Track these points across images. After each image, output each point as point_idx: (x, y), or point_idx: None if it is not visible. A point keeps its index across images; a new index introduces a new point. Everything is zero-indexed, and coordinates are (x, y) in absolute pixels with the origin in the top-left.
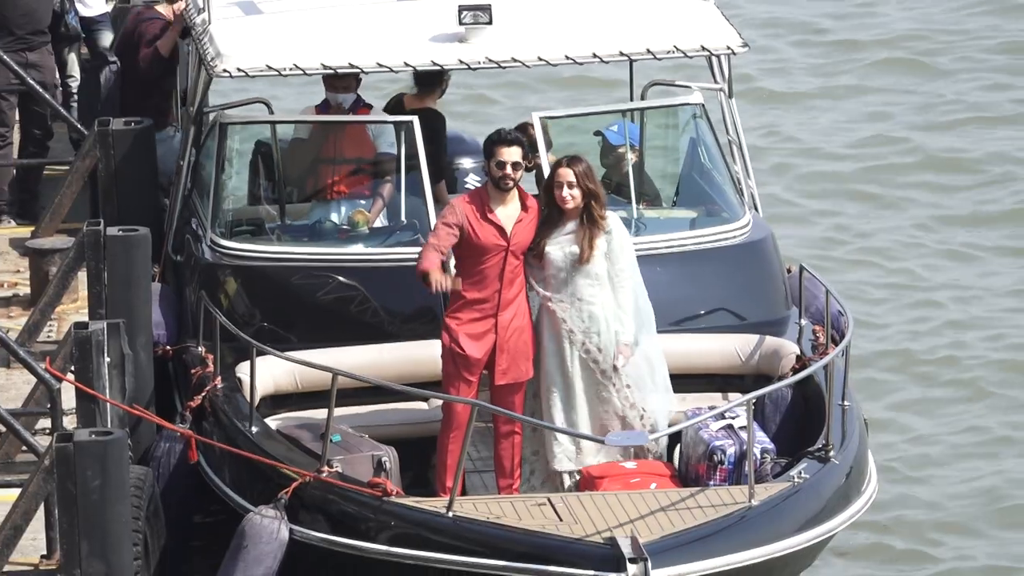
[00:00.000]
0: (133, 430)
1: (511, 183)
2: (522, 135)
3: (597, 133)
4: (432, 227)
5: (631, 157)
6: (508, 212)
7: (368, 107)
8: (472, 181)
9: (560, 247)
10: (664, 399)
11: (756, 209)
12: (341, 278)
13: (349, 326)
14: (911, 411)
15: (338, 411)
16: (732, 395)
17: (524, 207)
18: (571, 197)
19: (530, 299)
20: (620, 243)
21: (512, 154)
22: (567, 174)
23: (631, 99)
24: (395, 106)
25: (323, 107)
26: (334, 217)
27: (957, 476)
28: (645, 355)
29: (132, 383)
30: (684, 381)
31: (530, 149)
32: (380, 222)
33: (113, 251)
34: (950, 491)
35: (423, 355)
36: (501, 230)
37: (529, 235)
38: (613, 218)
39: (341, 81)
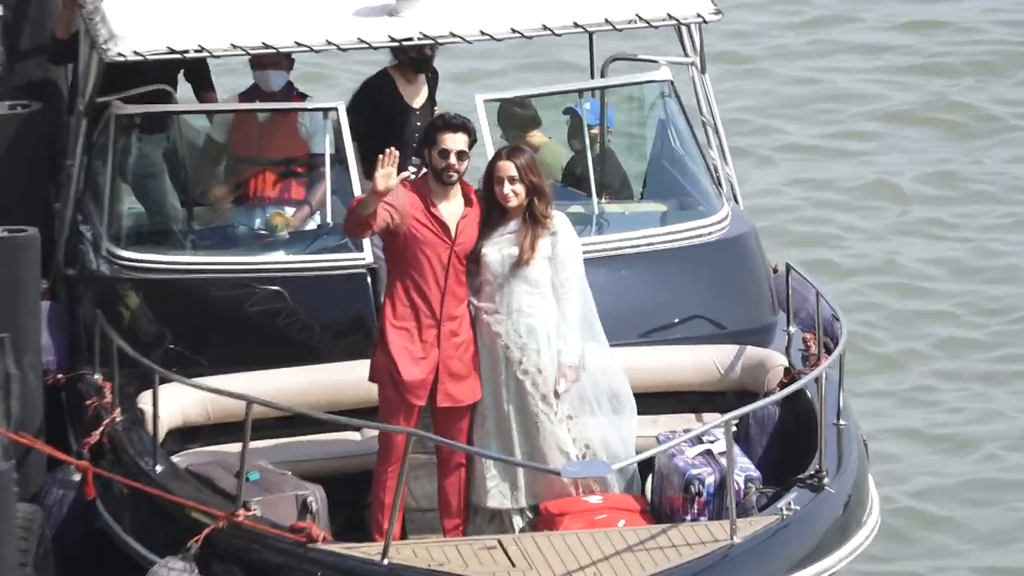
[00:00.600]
0: (20, 463)
1: (455, 175)
2: (469, 120)
3: (567, 111)
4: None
5: (609, 139)
6: (451, 208)
7: (302, 96)
8: (410, 172)
9: (498, 248)
10: (621, 425)
11: (736, 201)
12: (260, 290)
13: (271, 346)
14: (916, 432)
15: (257, 444)
16: (710, 416)
17: (468, 202)
18: (513, 194)
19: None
20: (567, 246)
21: (457, 141)
22: (507, 167)
23: (592, 76)
24: (379, 87)
25: (250, 94)
26: (253, 222)
27: (972, 509)
28: (592, 377)
29: (19, 408)
30: (655, 401)
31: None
32: (312, 226)
33: None
34: (963, 522)
35: (356, 377)
36: (444, 227)
37: (474, 234)
38: (560, 218)
39: (268, 56)
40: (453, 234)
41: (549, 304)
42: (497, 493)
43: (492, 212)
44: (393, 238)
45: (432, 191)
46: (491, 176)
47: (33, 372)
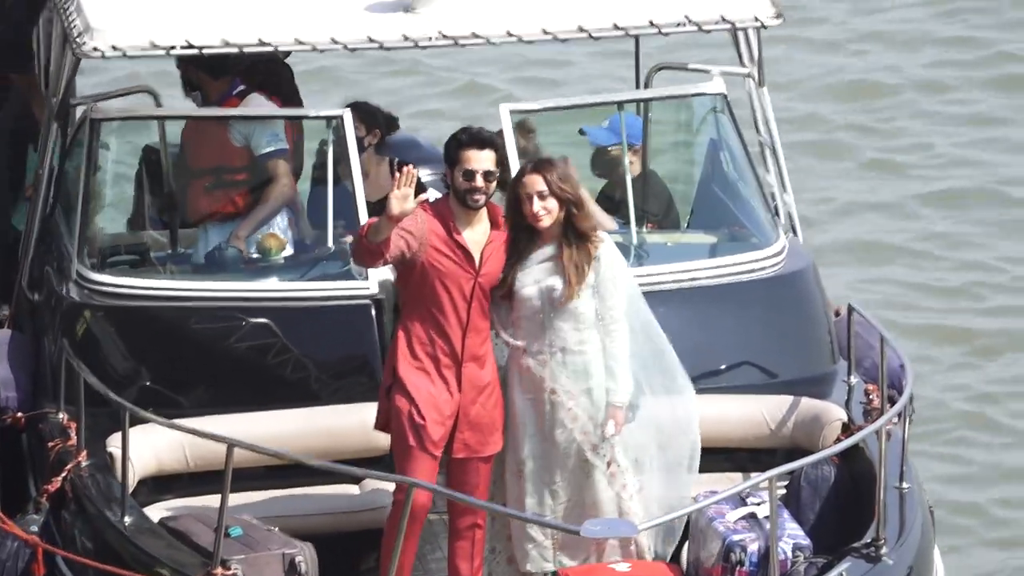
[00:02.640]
0: None
1: (481, 199)
2: (498, 136)
3: (582, 132)
4: None
5: (628, 160)
6: (476, 235)
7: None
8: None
9: (535, 280)
10: (676, 483)
11: (794, 232)
12: (248, 322)
13: (260, 386)
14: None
15: (242, 497)
16: (757, 475)
17: (495, 226)
18: (544, 211)
19: (496, 349)
20: (610, 271)
21: (483, 160)
22: (534, 182)
23: (638, 87)
24: None
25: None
26: (202, 246)
27: None
28: (656, 423)
29: None
30: None
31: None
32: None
33: None
34: None
35: (356, 422)
36: (468, 256)
37: (501, 262)
38: (603, 239)
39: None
40: (478, 264)
41: (597, 339)
42: (538, 557)
43: (520, 236)
44: (409, 268)
45: (454, 215)
46: (516, 194)
47: None
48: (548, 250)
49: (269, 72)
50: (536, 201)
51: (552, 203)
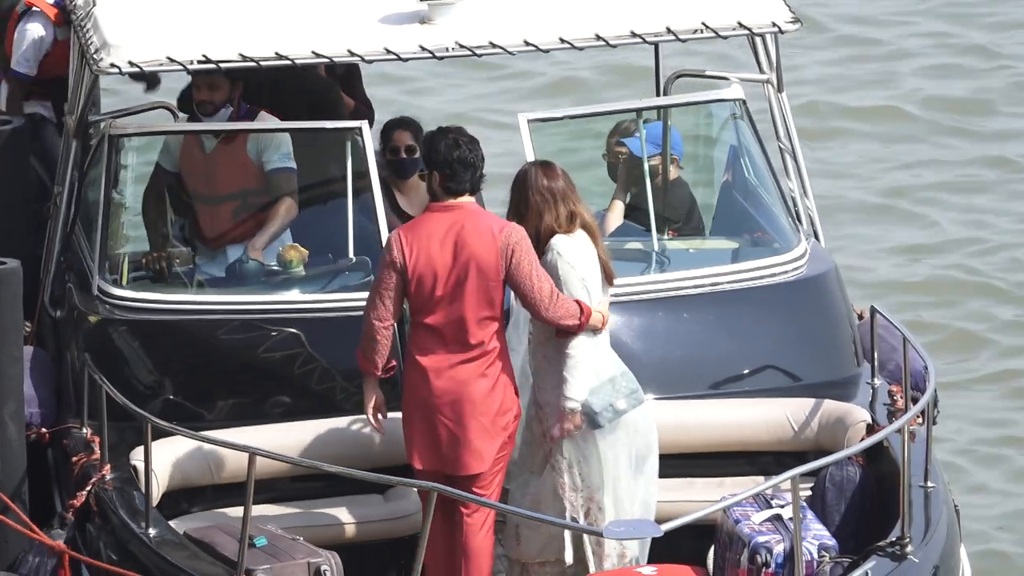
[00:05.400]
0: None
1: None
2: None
3: (619, 143)
4: None
5: (671, 171)
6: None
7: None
8: None
9: None
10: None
11: (816, 237)
12: (274, 333)
13: (285, 397)
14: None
15: (267, 508)
16: (779, 476)
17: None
18: None
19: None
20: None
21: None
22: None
23: (657, 94)
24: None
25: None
26: (211, 269)
27: None
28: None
29: None
30: (720, 461)
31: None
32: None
33: None
34: None
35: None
36: None
37: None
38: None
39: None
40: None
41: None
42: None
43: None
44: None
45: None
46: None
47: (14, 424)
48: None
49: (274, 91)
50: None
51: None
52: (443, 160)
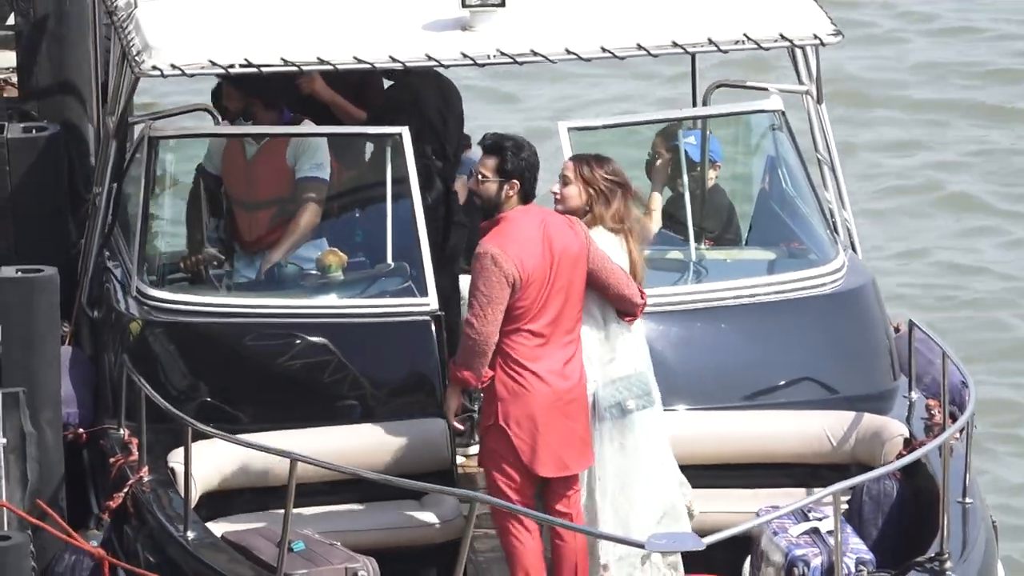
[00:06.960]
0: (37, 531)
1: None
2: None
3: (672, 147)
4: (425, 267)
5: (711, 175)
6: None
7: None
8: None
9: None
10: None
11: (853, 249)
12: (304, 340)
13: (320, 401)
14: None
15: (305, 511)
16: (819, 492)
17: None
18: (558, 195)
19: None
20: None
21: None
22: (564, 167)
23: (694, 104)
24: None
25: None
26: (249, 273)
27: None
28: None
29: (36, 471)
30: (755, 472)
31: None
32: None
33: (8, 299)
34: None
35: (418, 437)
36: None
37: None
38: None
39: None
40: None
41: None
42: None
43: None
44: None
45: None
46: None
47: (51, 430)
48: None
49: (315, 101)
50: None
51: (571, 189)
52: (525, 168)
